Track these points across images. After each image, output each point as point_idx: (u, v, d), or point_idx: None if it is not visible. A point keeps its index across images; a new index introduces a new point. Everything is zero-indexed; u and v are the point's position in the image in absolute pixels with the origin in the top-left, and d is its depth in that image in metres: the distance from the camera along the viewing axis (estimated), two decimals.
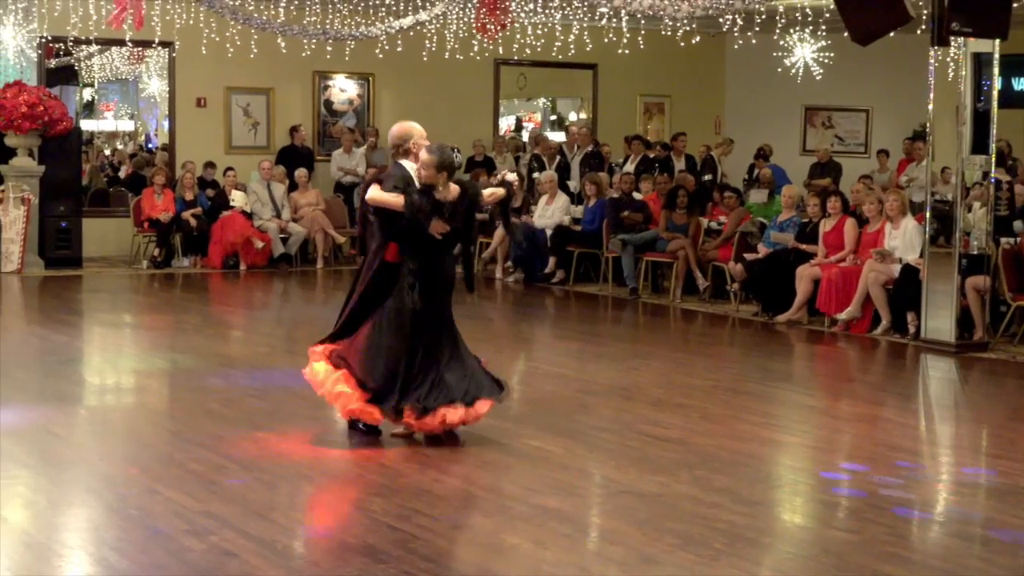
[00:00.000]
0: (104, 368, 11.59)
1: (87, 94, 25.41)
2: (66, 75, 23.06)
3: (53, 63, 20.70)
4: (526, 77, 23.37)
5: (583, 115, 24.04)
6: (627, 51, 18.19)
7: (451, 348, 8.30)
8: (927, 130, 13.47)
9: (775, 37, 19.53)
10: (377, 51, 18.40)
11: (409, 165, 8.29)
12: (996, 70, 12.57)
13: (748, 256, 14.78)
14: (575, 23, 19.09)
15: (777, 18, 17.08)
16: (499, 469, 7.78)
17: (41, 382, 10.30)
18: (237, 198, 18.52)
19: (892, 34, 12.20)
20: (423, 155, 8.18)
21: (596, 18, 17.84)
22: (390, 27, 17.28)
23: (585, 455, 8.19)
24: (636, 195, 17.32)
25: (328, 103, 21.02)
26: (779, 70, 20.94)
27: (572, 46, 19.12)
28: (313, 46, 18.54)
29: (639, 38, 17.80)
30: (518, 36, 19.48)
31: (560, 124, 25.66)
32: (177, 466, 7.62)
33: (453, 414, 8.15)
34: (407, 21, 17.28)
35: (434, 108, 20.47)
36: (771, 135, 21.13)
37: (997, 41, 12.49)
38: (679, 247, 15.82)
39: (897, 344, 12.83)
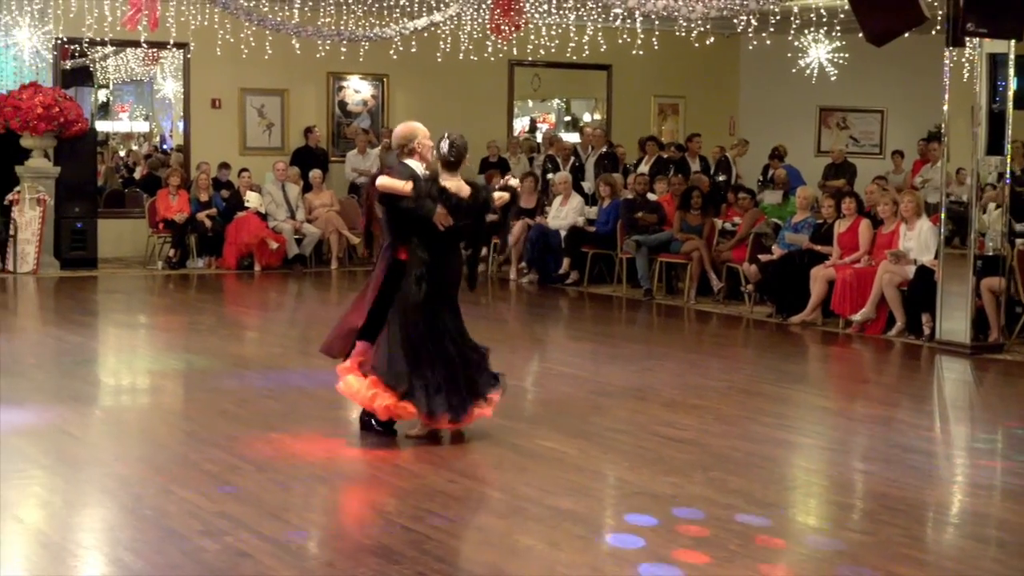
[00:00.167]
0: (119, 369, 11.62)
1: (102, 95, 25.45)
2: (81, 76, 23.10)
3: (68, 64, 20.75)
4: (540, 78, 23.37)
5: (597, 116, 24.03)
6: (641, 52, 18.20)
7: (461, 343, 8.34)
8: (942, 131, 13.44)
9: (790, 38, 19.49)
10: (391, 52, 18.42)
11: (414, 164, 8.30)
12: (1012, 71, 12.53)
13: (762, 257, 14.77)
14: (589, 24, 19.09)
15: (792, 19, 17.06)
16: (513, 470, 7.78)
17: (56, 383, 10.32)
18: (252, 199, 18.54)
19: (907, 35, 12.17)
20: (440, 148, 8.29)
21: (610, 19, 17.83)
22: (404, 28, 17.29)
23: (599, 456, 8.19)
24: (651, 196, 17.32)
25: (342, 104, 21.05)
26: (793, 71, 20.92)
27: (586, 47, 19.13)
28: (327, 47, 18.57)
29: (653, 39, 17.81)
30: (532, 37, 19.48)
31: (574, 125, 25.64)
32: (192, 466, 7.63)
33: (482, 409, 8.31)
34: (421, 22, 17.29)
35: (448, 109, 20.49)
36: (785, 136, 21.11)
37: (1012, 42, 12.46)
38: (693, 248, 15.81)
39: (912, 345, 12.80)
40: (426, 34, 18.19)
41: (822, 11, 16.31)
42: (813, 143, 23.22)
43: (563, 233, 17.45)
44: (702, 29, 15.81)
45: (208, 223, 18.32)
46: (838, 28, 17.17)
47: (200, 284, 17.21)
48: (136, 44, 18.43)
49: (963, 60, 12.47)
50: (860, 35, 12.33)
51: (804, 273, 13.99)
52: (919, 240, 13.21)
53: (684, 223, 16.15)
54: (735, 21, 15.39)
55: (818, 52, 20.87)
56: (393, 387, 8.15)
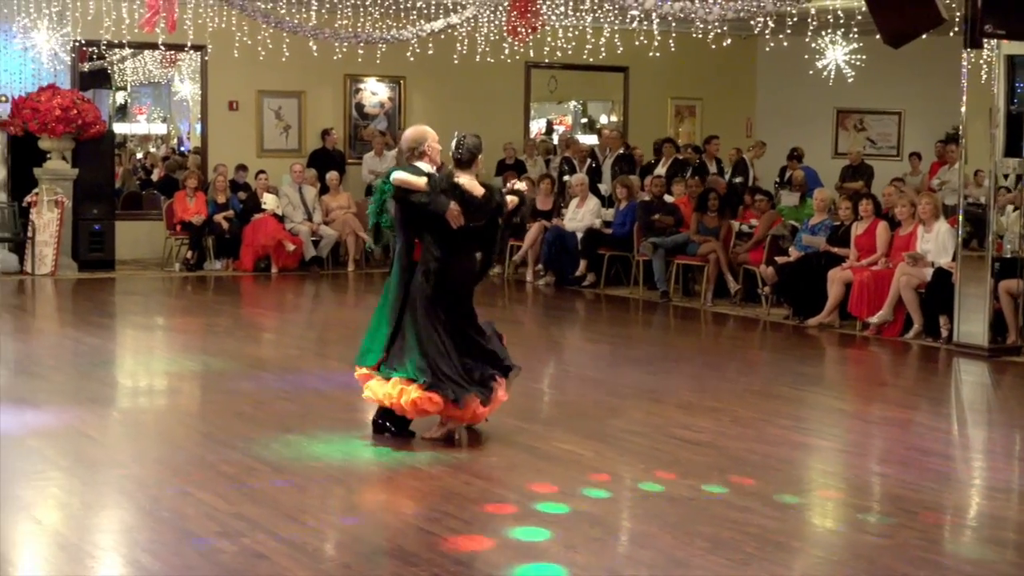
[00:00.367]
0: (136, 370, 11.65)
1: (120, 97, 25.49)
2: (99, 79, 23.14)
3: (86, 67, 20.81)
4: (557, 80, 23.37)
5: (614, 118, 24.01)
6: (658, 54, 18.21)
7: (476, 335, 8.39)
8: (960, 133, 13.41)
9: (807, 39, 19.46)
10: (408, 54, 18.43)
11: (424, 167, 8.32)
12: None
13: (779, 259, 14.74)
14: (606, 26, 19.08)
15: (809, 20, 17.04)
16: (529, 472, 7.78)
17: (74, 384, 10.35)
18: (269, 201, 18.57)
19: (924, 36, 12.13)
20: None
21: (627, 21, 17.79)
22: (421, 30, 17.29)
23: (615, 458, 8.18)
24: (667, 198, 17.30)
25: (359, 106, 21.08)
26: (811, 72, 20.89)
27: (603, 49, 19.13)
28: (344, 49, 18.59)
29: (670, 41, 17.79)
30: (549, 39, 19.48)
31: (591, 127, 25.64)
32: (209, 468, 7.65)
33: (501, 392, 8.38)
34: (438, 24, 17.29)
35: (465, 111, 20.51)
36: (802, 138, 21.07)
37: None
38: (710, 250, 15.79)
39: (929, 348, 12.77)
40: (443, 36, 18.20)
41: (839, 13, 16.28)
42: (830, 145, 23.18)
43: (580, 235, 17.44)
44: (719, 31, 15.77)
45: (225, 225, 18.36)
46: (855, 30, 17.15)
47: (217, 286, 17.25)
48: (154, 46, 18.49)
49: (981, 62, 12.44)
50: (877, 37, 12.27)
51: (821, 275, 13.96)
52: (937, 242, 13.18)
53: (701, 225, 16.14)
54: (752, 23, 15.37)
55: (835, 54, 20.84)
56: (416, 380, 8.16)
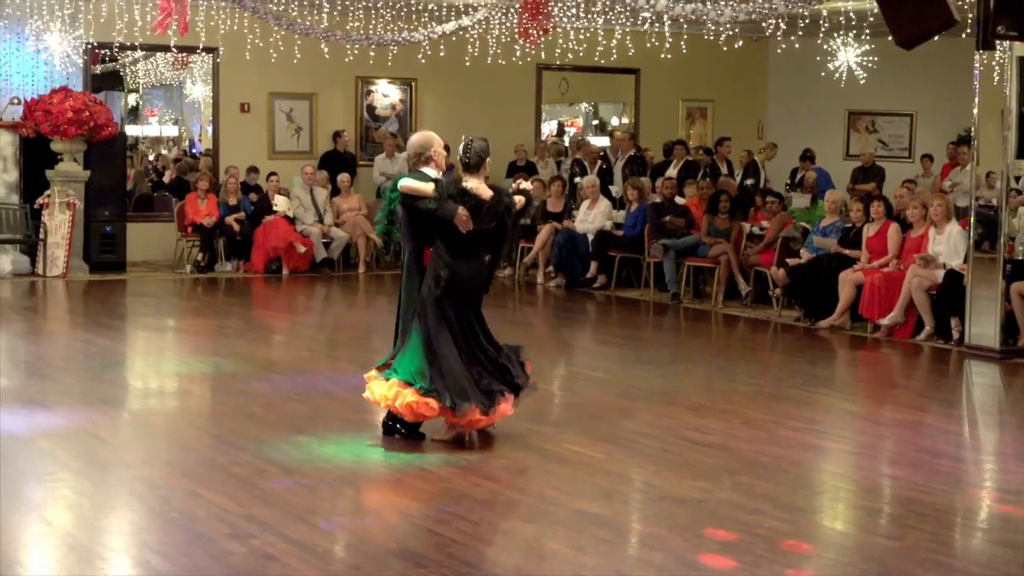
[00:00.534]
0: (147, 372, 11.67)
1: (132, 99, 25.57)
2: (111, 81, 23.20)
3: (99, 69, 20.86)
4: (568, 82, 23.36)
5: (625, 120, 24.01)
6: (669, 56, 18.18)
7: (489, 339, 8.36)
8: (972, 134, 13.38)
9: (818, 41, 19.44)
10: (420, 56, 18.45)
11: (430, 172, 8.33)
12: None
13: (790, 261, 14.72)
14: (617, 28, 19.07)
15: (820, 22, 17.00)
16: (540, 474, 7.78)
17: (85, 386, 10.36)
18: (280, 203, 18.59)
19: (937, 38, 12.10)
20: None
21: (638, 23, 17.79)
22: (432, 32, 17.31)
23: (626, 460, 8.18)
24: (678, 200, 17.29)
25: (371, 108, 21.09)
26: (822, 74, 20.88)
27: (614, 51, 19.12)
28: (356, 51, 18.60)
29: (681, 43, 17.79)
30: (560, 41, 19.47)
31: (602, 129, 25.63)
32: (219, 469, 7.65)
33: (508, 404, 8.33)
34: (449, 26, 17.31)
35: (476, 113, 20.54)
36: (814, 140, 21.03)
37: None
38: (721, 252, 15.77)
39: (940, 350, 12.75)
40: (454, 38, 18.22)
41: (851, 14, 16.25)
42: (842, 147, 23.14)
43: (590, 237, 17.43)
44: (730, 33, 15.76)
45: (236, 227, 18.38)
46: (867, 31, 17.12)
47: (228, 288, 17.26)
48: (166, 48, 18.53)
49: (993, 63, 12.42)
50: (889, 38, 12.25)
51: (832, 277, 13.94)
52: (948, 244, 13.16)
53: (712, 227, 16.12)
54: (763, 24, 15.36)
55: (847, 55, 20.82)
56: (413, 384, 8.17)
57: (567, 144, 23.16)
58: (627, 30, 19.16)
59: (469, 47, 18.79)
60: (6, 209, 17.49)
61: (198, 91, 24.23)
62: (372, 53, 18.44)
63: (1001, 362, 12.06)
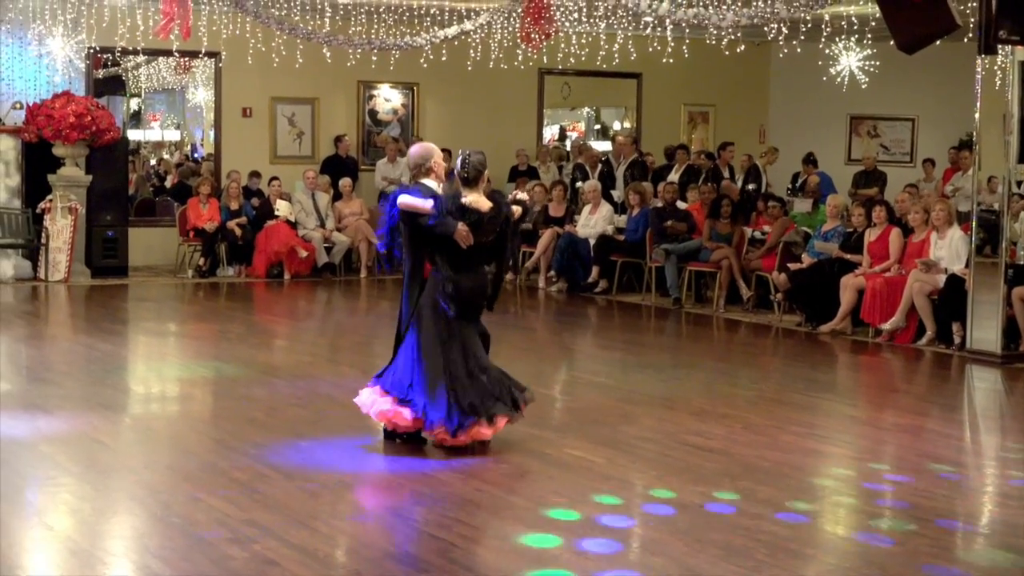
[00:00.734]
0: (149, 376, 11.67)
1: (134, 104, 25.60)
2: (113, 85, 23.24)
3: (101, 73, 20.89)
4: (570, 86, 23.38)
5: (627, 124, 24.01)
6: (671, 60, 18.19)
7: (480, 360, 8.31)
8: (973, 139, 13.38)
9: (820, 46, 19.46)
10: (422, 61, 18.45)
11: (431, 183, 8.33)
12: None
13: (792, 266, 14.73)
14: (619, 32, 19.08)
15: (822, 27, 17.01)
16: (541, 479, 7.78)
17: (87, 390, 10.36)
18: (282, 208, 18.60)
19: (938, 42, 12.12)
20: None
21: (640, 27, 17.81)
22: (435, 37, 17.32)
23: (627, 465, 8.17)
24: (680, 204, 17.29)
25: (372, 113, 21.10)
26: (824, 79, 20.89)
27: (616, 55, 19.13)
28: (358, 56, 18.60)
29: (683, 47, 17.78)
30: (562, 45, 19.47)
31: (604, 133, 25.64)
32: (220, 474, 7.65)
33: (482, 431, 8.18)
34: (452, 31, 17.32)
35: (478, 117, 20.56)
36: (816, 144, 21.04)
37: None
38: (723, 257, 15.78)
39: (942, 355, 12.74)
40: (456, 43, 18.22)
41: (853, 19, 16.25)
42: (843, 151, 23.14)
43: (592, 242, 17.44)
44: (732, 37, 15.75)
45: (238, 231, 18.38)
46: (869, 36, 17.11)
47: (230, 292, 17.27)
48: (168, 53, 18.54)
49: (995, 68, 12.42)
50: (891, 43, 12.29)
51: (834, 282, 13.94)
52: (950, 249, 13.15)
53: (713, 232, 16.12)
54: (766, 29, 15.36)
55: (849, 60, 20.83)
56: (391, 392, 8.21)
57: (569, 149, 23.18)
58: (629, 34, 19.17)
59: (471, 51, 18.79)
60: (8, 214, 17.49)
61: (200, 95, 24.25)
62: (374, 57, 18.45)
63: (1002, 367, 12.06)
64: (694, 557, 6.25)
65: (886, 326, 13.30)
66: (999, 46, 12.13)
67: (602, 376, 11.78)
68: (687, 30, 16.65)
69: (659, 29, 17.02)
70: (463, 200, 8.20)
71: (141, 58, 21.25)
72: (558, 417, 9.78)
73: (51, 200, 17.47)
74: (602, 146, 22.85)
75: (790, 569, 6.14)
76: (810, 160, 19.84)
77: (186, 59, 20.64)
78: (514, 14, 16.93)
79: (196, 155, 25.29)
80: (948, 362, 12.49)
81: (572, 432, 8.97)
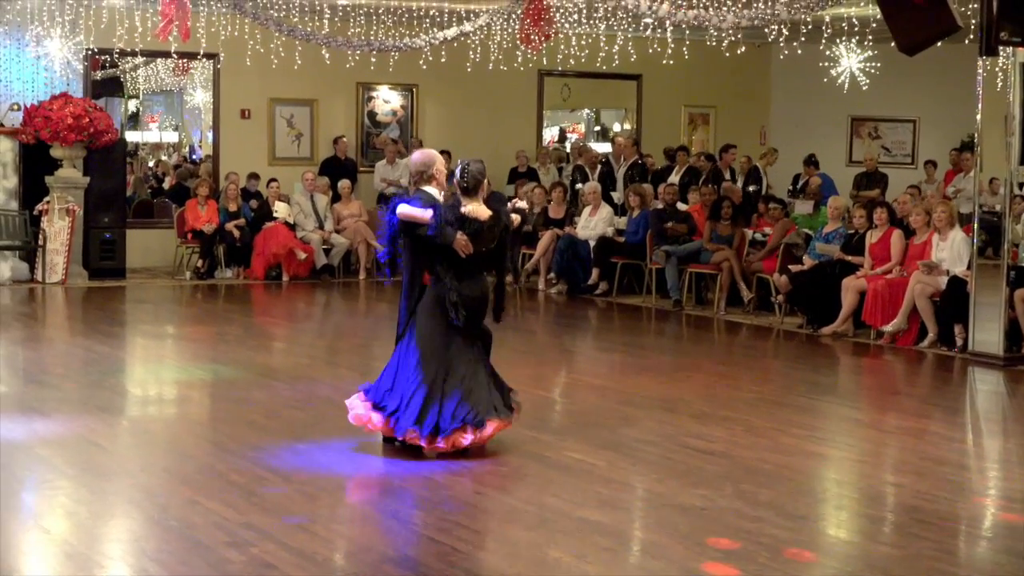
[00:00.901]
0: (146, 379, 11.63)
1: (132, 106, 25.58)
2: (112, 87, 23.22)
3: (99, 75, 20.86)
4: (570, 88, 23.36)
5: (627, 126, 23.98)
6: (672, 62, 18.16)
7: (472, 367, 8.25)
8: (975, 141, 13.34)
9: (821, 47, 19.42)
10: (421, 62, 18.41)
11: (432, 191, 8.30)
12: None
13: (793, 268, 14.69)
14: (619, 34, 19.05)
15: (823, 28, 16.97)
16: (541, 482, 7.73)
17: (84, 393, 10.32)
18: (280, 209, 18.56)
19: (939, 44, 12.09)
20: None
21: (640, 29, 17.77)
22: (434, 38, 17.29)
23: (628, 468, 8.13)
24: (680, 206, 17.25)
25: (372, 114, 21.06)
26: (825, 80, 20.86)
27: (616, 57, 19.10)
28: (357, 57, 18.58)
29: (684, 49, 17.76)
30: (562, 47, 19.45)
31: (604, 135, 25.61)
32: (218, 477, 7.61)
33: (463, 438, 8.09)
34: (451, 32, 17.29)
35: (477, 119, 20.53)
36: (817, 146, 21.01)
37: None
38: (723, 259, 15.74)
39: (944, 357, 12.70)
40: (456, 44, 18.19)
41: (854, 20, 16.23)
42: (844, 153, 23.12)
43: (592, 243, 17.40)
44: (733, 39, 15.73)
45: (236, 233, 18.34)
46: (870, 37, 17.07)
47: (228, 294, 17.23)
48: (166, 55, 18.50)
49: (996, 69, 12.39)
50: (892, 44, 12.25)
51: (835, 284, 13.90)
52: (952, 251, 13.12)
53: (714, 233, 16.08)
54: (766, 30, 15.32)
55: (850, 61, 20.80)
56: (368, 396, 8.23)
57: (569, 150, 23.14)
58: (629, 36, 19.14)
59: (471, 53, 18.77)
60: (5, 215, 17.46)
61: (198, 97, 24.24)
62: (373, 59, 18.42)
63: (1005, 369, 12.02)
64: (695, 560, 6.21)
65: (888, 328, 13.26)
66: (1000, 47, 12.09)
67: (602, 378, 11.74)
68: (687, 31, 16.62)
69: (659, 30, 16.98)
70: (462, 209, 8.16)
71: (139, 59, 21.20)
72: (558, 420, 9.75)
73: (49, 202, 17.44)
74: (602, 148, 22.82)
75: (791, 572, 6.11)
76: (811, 162, 19.82)
77: (184, 60, 20.59)
78: (514, 15, 16.90)
79: (194, 157, 25.28)
80: (950, 364, 12.45)
81: (572, 435, 8.93)
